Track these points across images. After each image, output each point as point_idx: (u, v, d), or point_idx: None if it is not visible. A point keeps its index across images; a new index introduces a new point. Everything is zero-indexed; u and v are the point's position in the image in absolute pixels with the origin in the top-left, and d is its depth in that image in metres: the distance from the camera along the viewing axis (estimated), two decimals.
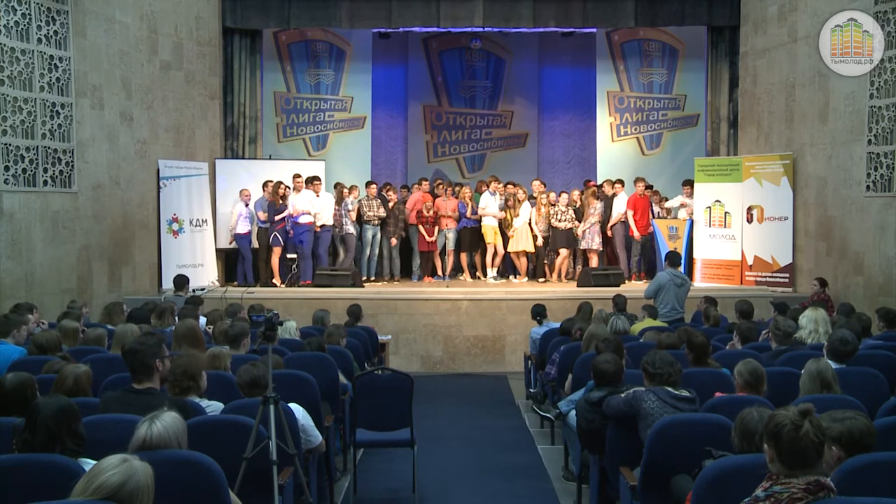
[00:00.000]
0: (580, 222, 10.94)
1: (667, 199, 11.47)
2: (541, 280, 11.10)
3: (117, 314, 6.95)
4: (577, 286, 10.30)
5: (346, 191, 11.02)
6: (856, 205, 8.86)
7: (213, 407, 3.98)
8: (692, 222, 10.88)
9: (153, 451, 2.89)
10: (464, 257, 11.28)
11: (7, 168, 7.97)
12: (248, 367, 4.17)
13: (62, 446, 2.90)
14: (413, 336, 9.62)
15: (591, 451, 4.42)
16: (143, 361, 3.73)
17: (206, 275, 10.68)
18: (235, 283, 10.84)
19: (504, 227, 11.06)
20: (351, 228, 10.81)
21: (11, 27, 7.99)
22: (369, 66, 12.67)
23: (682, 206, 11.16)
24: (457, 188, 11.50)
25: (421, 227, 11.01)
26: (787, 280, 10.14)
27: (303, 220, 10.35)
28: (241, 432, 3.54)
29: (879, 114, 8.42)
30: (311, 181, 10.53)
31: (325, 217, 10.59)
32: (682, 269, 8.29)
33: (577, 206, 11.16)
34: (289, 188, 10.53)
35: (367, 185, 11.11)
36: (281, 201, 10.41)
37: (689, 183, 11.17)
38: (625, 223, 11.01)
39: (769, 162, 10.36)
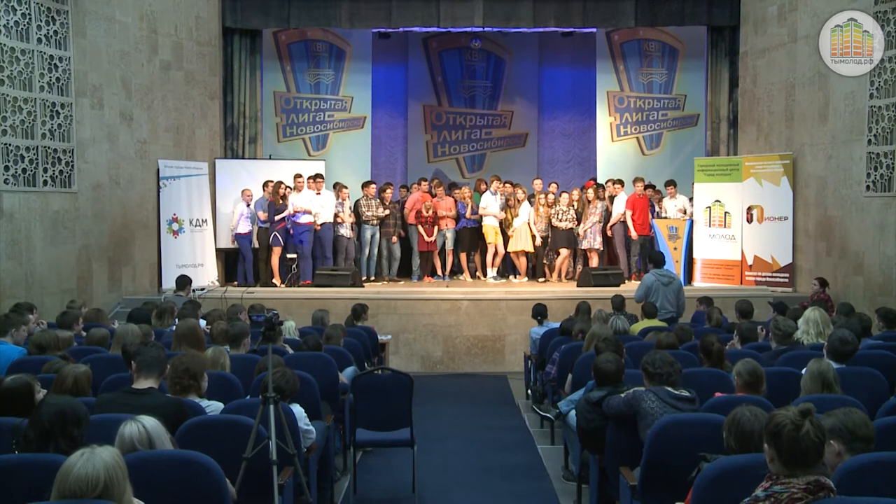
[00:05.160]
0: (580, 222, 10.94)
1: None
2: (541, 280, 11.09)
3: (102, 318, 6.99)
4: (577, 286, 10.30)
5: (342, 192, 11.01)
6: (856, 205, 8.86)
7: (213, 407, 3.98)
8: (692, 222, 10.87)
9: (154, 451, 2.90)
10: (463, 257, 11.28)
11: (7, 168, 7.97)
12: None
13: (56, 447, 2.88)
14: (413, 336, 9.62)
15: (591, 451, 4.41)
16: (154, 364, 3.79)
17: (206, 275, 10.68)
18: (235, 282, 10.84)
19: (504, 227, 11.06)
20: (341, 230, 10.78)
21: (11, 27, 7.99)
22: (369, 66, 12.66)
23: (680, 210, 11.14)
24: (455, 191, 11.46)
25: (420, 227, 11.00)
26: (786, 280, 10.13)
27: (303, 219, 10.34)
28: (241, 432, 3.54)
29: (879, 114, 8.42)
30: (314, 178, 10.53)
31: (326, 216, 10.58)
32: (665, 266, 8.22)
33: (575, 206, 11.15)
34: (289, 188, 10.52)
35: (367, 184, 11.10)
36: (281, 201, 10.41)
37: (671, 183, 11.17)
38: (624, 223, 11.01)
39: (769, 162, 10.36)
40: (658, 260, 8.16)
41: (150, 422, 2.94)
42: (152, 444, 2.91)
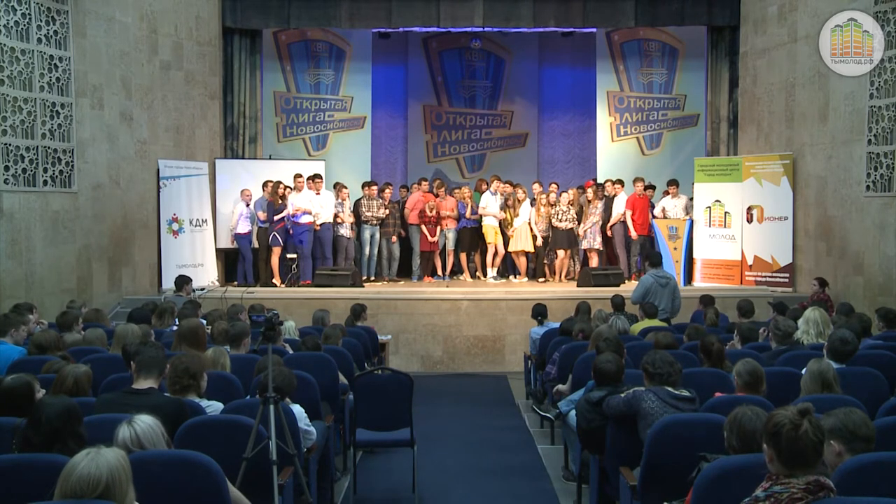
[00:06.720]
0: (580, 222, 10.94)
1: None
2: (541, 280, 11.09)
3: (102, 318, 7.01)
4: (577, 286, 10.29)
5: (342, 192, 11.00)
6: (856, 205, 8.86)
7: (213, 407, 3.98)
8: (692, 222, 10.87)
9: (154, 451, 2.90)
10: (463, 257, 11.27)
11: (7, 168, 7.97)
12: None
13: (62, 446, 2.88)
14: (413, 336, 9.62)
15: (591, 451, 4.41)
16: (153, 364, 3.79)
17: (206, 275, 10.68)
18: (235, 283, 10.84)
19: (504, 227, 11.06)
20: (341, 230, 10.76)
21: (11, 27, 7.99)
22: (369, 66, 12.67)
23: (664, 210, 11.08)
24: (455, 191, 11.47)
25: (423, 227, 11.00)
26: (787, 280, 10.13)
27: (303, 219, 10.35)
28: (241, 432, 3.54)
29: (879, 114, 8.42)
30: (313, 179, 10.53)
31: (326, 216, 10.58)
32: (663, 267, 8.15)
33: (574, 206, 11.13)
34: (289, 188, 10.52)
35: (367, 185, 11.09)
36: (280, 201, 10.41)
37: (673, 183, 11.14)
38: (624, 223, 11.01)
39: (769, 162, 10.36)
40: (656, 260, 8.08)
41: (143, 425, 2.90)
42: (143, 448, 2.89)
